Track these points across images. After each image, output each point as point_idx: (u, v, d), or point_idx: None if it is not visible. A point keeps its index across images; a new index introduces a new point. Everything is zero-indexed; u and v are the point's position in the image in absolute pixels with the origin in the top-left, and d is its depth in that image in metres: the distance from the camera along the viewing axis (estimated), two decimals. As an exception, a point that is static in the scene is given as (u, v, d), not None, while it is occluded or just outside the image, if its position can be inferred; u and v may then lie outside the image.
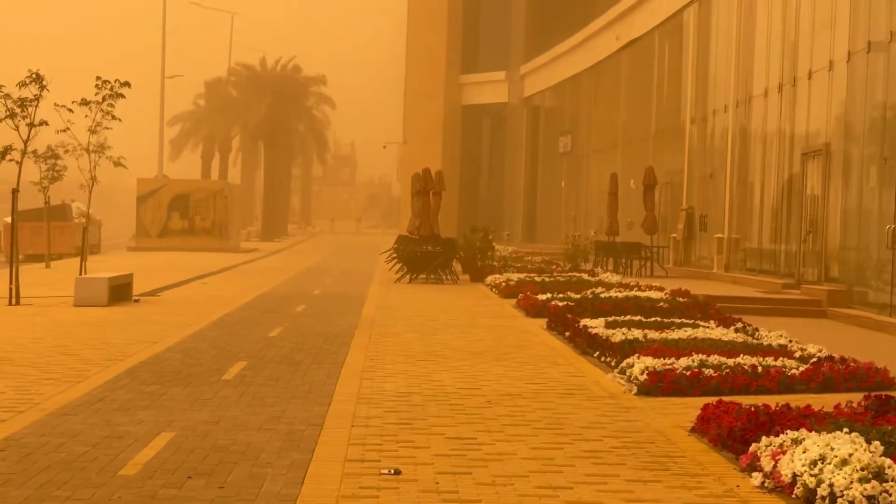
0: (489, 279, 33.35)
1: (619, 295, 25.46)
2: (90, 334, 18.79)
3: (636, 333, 17.95)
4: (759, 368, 13.66)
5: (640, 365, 13.74)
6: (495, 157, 74.28)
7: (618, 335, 17.71)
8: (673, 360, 14.41)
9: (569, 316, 20.84)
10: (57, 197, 56.35)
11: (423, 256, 35.35)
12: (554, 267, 38.43)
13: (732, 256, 34.64)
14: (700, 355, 14.76)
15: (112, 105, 28.93)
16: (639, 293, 25.94)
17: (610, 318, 20.59)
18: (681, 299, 24.93)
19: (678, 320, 20.70)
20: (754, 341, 17.68)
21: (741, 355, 15.07)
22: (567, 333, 19.08)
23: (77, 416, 11.48)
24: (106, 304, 24.39)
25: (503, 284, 30.24)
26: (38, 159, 36.80)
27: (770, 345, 17.21)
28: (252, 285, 32.28)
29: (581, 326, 19.03)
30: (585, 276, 33.03)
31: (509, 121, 72.20)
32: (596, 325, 19.68)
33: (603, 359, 16.04)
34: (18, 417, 11.34)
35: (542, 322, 21.74)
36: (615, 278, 32.18)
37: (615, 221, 40.32)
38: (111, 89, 28.58)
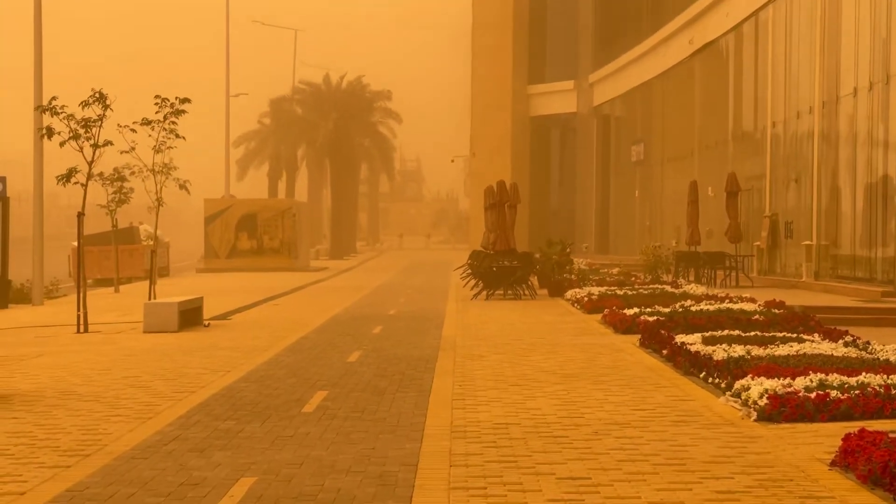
0: (569, 293, 32.19)
1: (711, 308, 24.23)
2: (160, 363, 17.86)
3: (738, 350, 16.78)
4: (894, 390, 12.39)
5: (758, 387, 12.55)
6: (565, 168, 73.07)
7: (719, 352, 16.55)
8: (789, 380, 13.24)
9: (662, 332, 19.66)
10: (125, 219, 55.82)
11: (500, 271, 34.23)
12: (634, 279, 37.17)
13: (822, 264, 33.25)
14: (818, 374, 13.56)
15: (175, 123, 28.12)
16: (731, 305, 24.68)
17: (707, 334, 19.40)
18: (776, 311, 23.69)
19: (780, 334, 19.50)
20: (869, 356, 16.41)
21: (863, 373, 13.83)
22: (664, 352, 17.89)
23: (148, 459, 10.48)
24: (176, 329, 23.51)
25: (585, 299, 29.05)
26: (105, 182, 36.08)
27: (888, 360, 15.95)
28: (324, 306, 31.32)
29: (678, 343, 17.86)
30: (668, 289, 31.79)
31: (579, 131, 70.97)
32: (693, 341, 18.50)
33: (710, 380, 14.84)
34: (84, 462, 10.35)
35: (634, 339, 20.56)
36: (700, 290, 30.92)
37: (696, 230, 38.98)
38: (172, 107, 27.77)
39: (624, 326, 22.48)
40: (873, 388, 12.25)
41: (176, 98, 28.27)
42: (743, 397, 12.75)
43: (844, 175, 32.07)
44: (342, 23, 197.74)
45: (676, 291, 30.70)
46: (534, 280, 35.95)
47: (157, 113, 28.38)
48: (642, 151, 58.86)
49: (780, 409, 11.83)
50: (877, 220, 29.56)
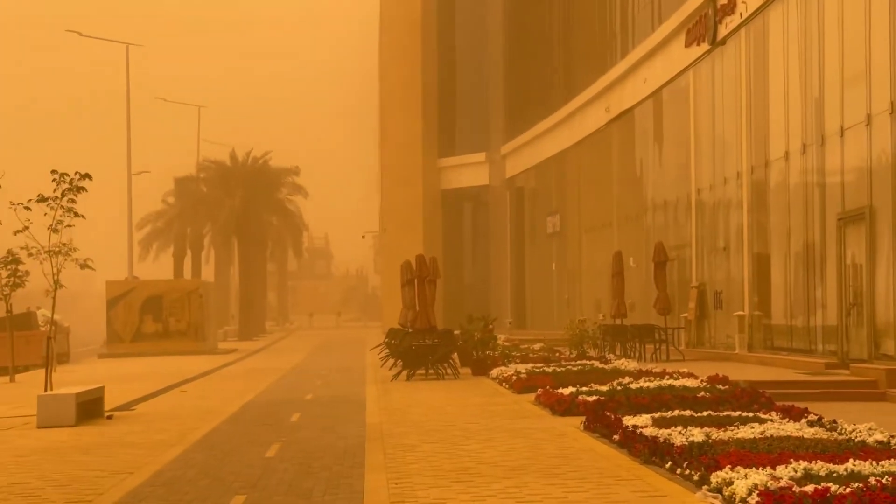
0: (494, 372, 30.57)
1: (651, 385, 22.72)
2: (53, 465, 15.88)
3: (696, 433, 15.29)
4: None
5: (744, 482, 10.95)
6: (479, 241, 71.74)
7: (676, 436, 15.03)
8: (769, 470, 11.69)
9: (608, 414, 18.07)
10: (22, 304, 53.18)
11: (421, 350, 32.51)
12: (559, 355, 35.68)
13: (755, 335, 31.97)
14: (800, 462, 12.03)
15: (73, 201, 26.21)
16: (672, 382, 23.16)
17: (656, 415, 17.92)
18: (721, 387, 22.25)
19: (735, 413, 18.03)
20: (843, 438, 14.95)
21: (850, 460, 12.32)
22: (615, 437, 16.27)
23: None
24: (74, 423, 21.45)
25: (514, 378, 27.42)
26: (-1, 264, 34.03)
27: (864, 441, 14.49)
28: (236, 392, 29.36)
29: (630, 428, 16.28)
30: (598, 364, 30.35)
31: (492, 203, 69.76)
32: (643, 423, 16.99)
33: (679, 470, 13.22)
34: None
35: (576, 422, 18.94)
36: (631, 365, 29.49)
37: (622, 303, 37.60)
38: (70, 183, 25.89)
39: (562, 408, 20.85)
40: (878, 482, 10.68)
41: (75, 173, 26.42)
42: (726, 494, 11.15)
43: (776, 241, 30.88)
44: (247, 99, 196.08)
45: (607, 367, 29.29)
46: (454, 358, 34.30)
47: (54, 190, 26.51)
48: (558, 223, 57.70)
49: (775, 509, 10.22)
50: (813, 288, 28.32)
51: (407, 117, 72.05)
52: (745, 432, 15.45)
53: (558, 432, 17.96)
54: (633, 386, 22.72)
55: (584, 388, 22.73)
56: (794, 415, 17.64)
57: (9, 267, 34.45)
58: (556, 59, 59.04)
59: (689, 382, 23.01)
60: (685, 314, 37.34)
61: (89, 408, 22.81)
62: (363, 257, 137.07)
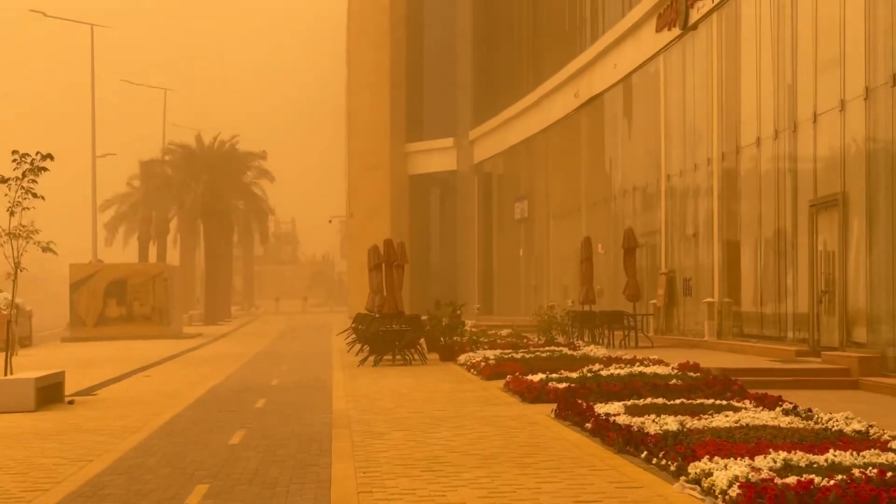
0: (462, 358, 30.23)
1: (622, 372, 22.46)
2: (10, 452, 15.45)
3: (670, 422, 15.00)
4: (889, 473, 10.49)
5: (724, 474, 10.63)
6: (446, 227, 71.36)
7: (650, 425, 14.74)
8: (748, 460, 11.40)
9: (580, 402, 17.76)
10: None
11: (388, 335, 32.14)
12: (527, 341, 35.38)
13: (724, 322, 31.73)
14: (781, 453, 11.73)
15: (34, 181, 25.67)
16: (642, 369, 22.92)
17: (628, 403, 17.65)
18: (693, 374, 21.99)
19: (708, 401, 17.74)
20: (819, 427, 14.68)
21: (830, 450, 12.03)
22: (588, 425, 15.95)
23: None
24: (33, 408, 21.01)
25: (482, 364, 27.09)
26: (-43, 246, 33.40)
27: (842, 430, 14.23)
28: (200, 377, 28.94)
29: (603, 416, 15.98)
30: (567, 351, 30.06)
31: (459, 189, 69.37)
32: (615, 411, 16.70)
33: (654, 460, 12.91)
34: None
35: (546, 409, 18.63)
36: (601, 351, 29.23)
37: (590, 289, 37.31)
38: (31, 163, 25.35)
39: (532, 395, 20.52)
40: (863, 474, 10.38)
41: (37, 153, 25.88)
42: (704, 485, 10.85)
43: (747, 228, 30.64)
44: (213, 83, 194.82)
45: (576, 354, 29.00)
46: (422, 344, 33.94)
47: (14, 170, 25.97)
48: (526, 209, 57.38)
49: (757, 502, 9.90)
50: (784, 275, 28.09)
51: (375, 102, 71.57)
52: (720, 421, 15.18)
53: (529, 420, 17.64)
54: (604, 373, 22.46)
55: (554, 375, 22.46)
56: (768, 403, 17.36)
57: (-32, 249, 33.78)
58: (525, 44, 58.68)
59: (660, 370, 22.75)
60: (654, 301, 37.11)
61: (49, 393, 22.37)
62: (330, 243, 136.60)
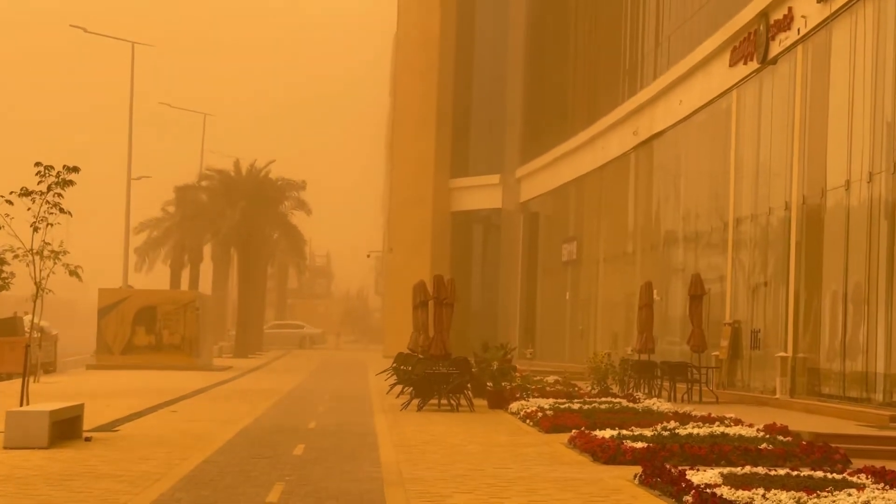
0: (514, 406, 27.96)
1: (701, 432, 20.14)
2: (12, 501, 13.23)
3: (784, 499, 12.72)
4: None
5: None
6: (488, 266, 69.04)
7: (759, 500, 12.45)
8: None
9: (669, 468, 15.41)
10: (8, 309, 50.42)
11: (434, 378, 29.83)
12: (578, 390, 33.11)
13: (799, 379, 29.32)
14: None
15: (60, 195, 23.65)
16: (725, 430, 20.58)
17: (725, 471, 15.32)
18: (782, 438, 19.65)
19: (816, 473, 15.39)
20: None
21: None
22: (687, 498, 13.61)
23: None
24: (46, 444, 18.80)
25: (539, 415, 24.79)
26: (-21, 265, 31.34)
27: None
28: (231, 414, 26.69)
29: (702, 487, 13.66)
30: (625, 403, 27.83)
31: (504, 227, 67.14)
32: (711, 480, 14.41)
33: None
34: None
35: (625, 472, 16.32)
36: (664, 405, 26.98)
37: (650, 337, 34.93)
38: (57, 176, 23.36)
39: (606, 455, 18.17)
40: None
41: (63, 166, 23.87)
42: None
43: (830, 278, 28.23)
44: (253, 109, 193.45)
45: (637, 407, 26.82)
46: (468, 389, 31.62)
47: (39, 184, 23.97)
48: (574, 251, 55.08)
49: None
50: (874, 330, 25.67)
51: (419, 134, 69.56)
52: (845, 501, 12.87)
53: (610, 486, 15.32)
54: (681, 432, 20.17)
55: (626, 432, 20.15)
56: (890, 480, 14.99)
57: (-8, 267, 31.68)
58: (580, 80, 56.53)
59: (745, 431, 20.42)
60: (716, 353, 34.70)
61: (66, 427, 20.20)
62: (364, 278, 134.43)
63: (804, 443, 18.84)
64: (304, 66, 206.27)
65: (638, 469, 15.99)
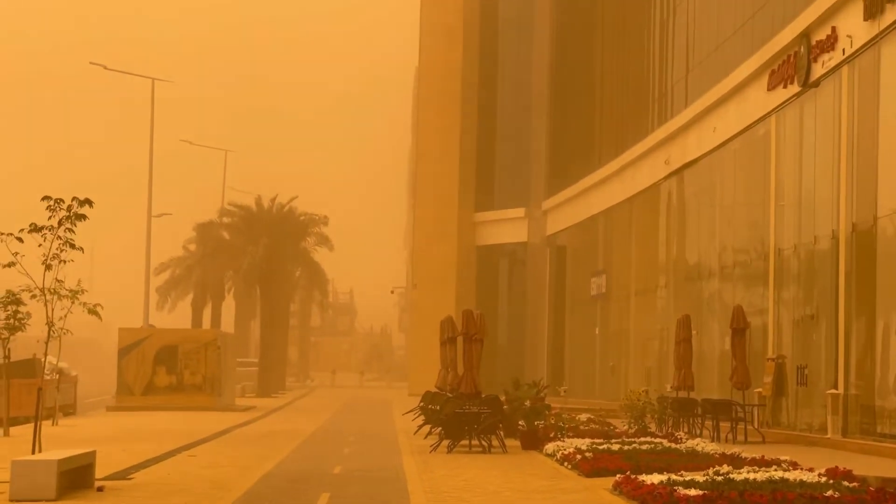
0: (550, 447, 26.46)
1: (758, 477, 18.66)
2: (8, 566, 11.92)
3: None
4: None
5: None
6: (514, 301, 67.65)
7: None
8: None
9: (734, 520, 13.97)
10: (27, 350, 49.16)
11: (465, 418, 28.41)
12: (615, 429, 31.65)
13: (852, 418, 27.80)
14: None
15: (71, 231, 22.48)
16: (783, 474, 19.09)
17: (795, 525, 13.87)
18: (847, 484, 18.16)
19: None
20: None
21: None
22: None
23: None
24: (54, 497, 17.49)
25: (578, 457, 23.33)
26: (-6, 305, 30.19)
27: None
28: (252, 459, 25.32)
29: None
30: (666, 443, 26.39)
31: (530, 262, 65.79)
32: (781, 534, 12.98)
33: None
34: None
35: (682, 524, 14.90)
36: (709, 446, 25.45)
37: (689, 373, 33.48)
38: (68, 210, 22.19)
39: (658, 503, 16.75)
40: None
41: (73, 199, 22.68)
42: None
43: (885, 309, 26.74)
44: (272, 144, 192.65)
45: (681, 448, 25.35)
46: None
47: (49, 219, 22.80)
48: (604, 284, 53.67)
49: None
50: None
51: (443, 168, 68.41)
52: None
53: (669, 540, 13.89)
54: (737, 477, 18.70)
55: (676, 477, 18.69)
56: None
57: (8, 308, 30.42)
58: (606, 109, 55.28)
59: (805, 476, 18.91)
60: (759, 389, 33.20)
61: (76, 476, 18.88)
62: (387, 315, 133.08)
63: (871, 489, 17.37)
64: (325, 100, 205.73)
65: (696, 521, 14.58)
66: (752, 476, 18.76)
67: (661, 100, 46.68)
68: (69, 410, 44.63)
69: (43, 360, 41.15)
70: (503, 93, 68.52)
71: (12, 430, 33.60)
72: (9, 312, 30.29)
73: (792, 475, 18.94)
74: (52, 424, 37.36)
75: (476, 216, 68.05)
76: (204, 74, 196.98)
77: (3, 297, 30.11)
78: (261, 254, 68.65)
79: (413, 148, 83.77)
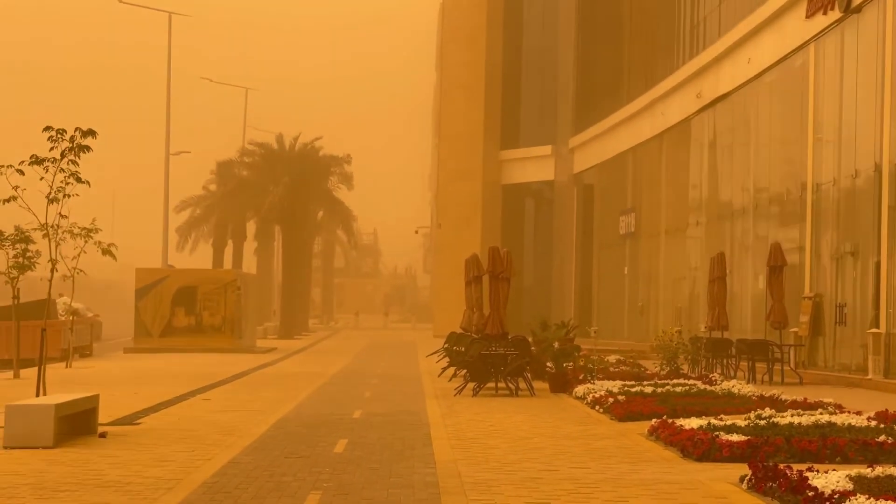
0: (580, 390, 25.29)
1: (803, 421, 17.49)
2: (-13, 522, 10.84)
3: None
4: None
5: None
6: (541, 241, 66.33)
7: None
8: None
9: (786, 471, 12.73)
10: (41, 291, 48.11)
11: (491, 360, 27.26)
12: (646, 370, 30.52)
13: (894, 357, 26.55)
14: None
15: (75, 162, 21.32)
16: (830, 417, 17.92)
17: (852, 472, 12.65)
18: (900, 427, 16.98)
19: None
20: None
21: None
22: (816, 511, 11.00)
23: None
24: (52, 443, 16.39)
25: (610, 401, 22.18)
26: (4, 242, 29.12)
27: None
28: (268, 403, 24.26)
29: (835, 497, 11.05)
30: (701, 385, 25.30)
31: (557, 200, 64.38)
32: (837, 485, 11.82)
33: None
34: None
35: (725, 473, 13.77)
36: (746, 388, 24.32)
37: (723, 313, 32.24)
38: (71, 141, 21.05)
39: (699, 451, 15.53)
40: None
41: (76, 130, 21.49)
42: None
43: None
44: (295, 83, 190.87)
45: (716, 390, 24.27)
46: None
47: (51, 150, 21.63)
48: (633, 223, 52.33)
49: None
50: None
51: (468, 106, 66.94)
52: None
53: (714, 492, 12.71)
54: (781, 421, 17.53)
55: (716, 422, 17.51)
56: None
57: (17, 246, 29.29)
58: (635, 43, 53.72)
59: (853, 420, 17.74)
60: (795, 329, 31.96)
61: (78, 422, 17.79)
62: (412, 255, 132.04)
63: (926, 433, 16.16)
64: (348, 39, 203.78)
65: (741, 469, 13.42)
66: (796, 420, 17.59)
67: (692, 31, 45.13)
68: (86, 352, 43.69)
69: (64, 300, 39.96)
70: (529, 26, 66.96)
71: (23, 372, 32.61)
72: (17, 251, 29.17)
73: (839, 419, 17.79)
74: (66, 367, 36.39)
75: (501, 154, 66.68)
76: (222, 12, 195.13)
77: (11, 235, 29.04)
78: (282, 193, 67.46)
79: (437, 84, 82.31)
